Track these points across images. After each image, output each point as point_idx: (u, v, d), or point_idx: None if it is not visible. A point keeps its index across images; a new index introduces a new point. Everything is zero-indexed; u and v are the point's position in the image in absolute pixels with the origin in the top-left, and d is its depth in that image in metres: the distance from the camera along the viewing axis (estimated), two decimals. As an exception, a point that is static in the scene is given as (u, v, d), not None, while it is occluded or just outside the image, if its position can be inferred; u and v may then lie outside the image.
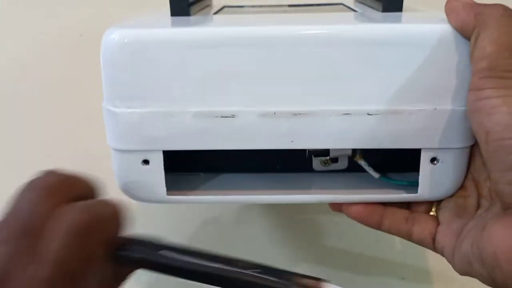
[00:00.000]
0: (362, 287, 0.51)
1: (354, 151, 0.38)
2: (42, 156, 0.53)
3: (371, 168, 0.38)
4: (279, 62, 0.33)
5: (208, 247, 0.29)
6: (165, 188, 0.36)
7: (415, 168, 0.36)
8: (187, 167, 0.41)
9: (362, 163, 0.38)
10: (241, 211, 0.49)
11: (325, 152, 0.38)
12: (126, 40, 0.33)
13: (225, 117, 0.34)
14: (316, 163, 0.40)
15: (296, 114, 0.34)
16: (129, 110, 0.34)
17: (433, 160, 0.35)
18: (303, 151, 0.39)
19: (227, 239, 0.51)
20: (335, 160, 0.40)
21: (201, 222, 0.50)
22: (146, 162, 0.36)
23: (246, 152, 0.40)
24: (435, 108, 0.34)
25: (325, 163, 0.40)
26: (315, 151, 0.39)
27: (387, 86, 0.33)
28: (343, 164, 0.40)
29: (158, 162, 0.36)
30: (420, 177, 0.36)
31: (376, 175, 0.38)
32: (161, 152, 0.35)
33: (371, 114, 0.34)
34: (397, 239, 0.49)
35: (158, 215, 0.53)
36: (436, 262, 0.50)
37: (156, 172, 0.36)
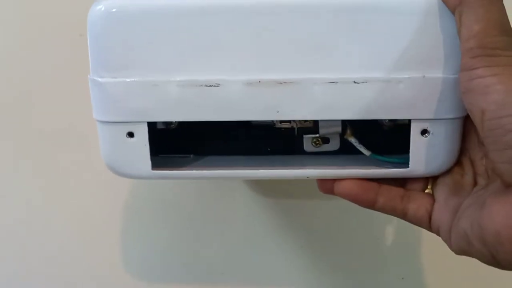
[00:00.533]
0: (362, 287, 0.50)
1: (345, 128, 0.37)
2: (43, 155, 0.53)
3: (362, 146, 0.37)
4: (264, 29, 0.33)
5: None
6: (150, 163, 0.36)
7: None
8: (175, 149, 0.40)
9: (353, 140, 0.37)
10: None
11: (314, 129, 0.38)
12: (113, 10, 0.33)
13: (210, 86, 0.34)
14: (307, 143, 0.39)
15: (281, 83, 0.33)
16: (114, 80, 0.34)
17: (424, 132, 0.34)
18: (292, 130, 0.39)
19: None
20: (326, 140, 0.39)
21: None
22: (130, 134, 0.35)
23: (235, 133, 0.40)
24: (424, 76, 0.33)
25: (316, 143, 0.39)
26: (304, 129, 0.38)
27: (373, 54, 0.33)
28: (335, 144, 0.39)
29: (143, 135, 0.35)
30: (411, 150, 0.35)
31: (367, 152, 0.37)
32: (146, 124, 0.35)
33: (358, 83, 0.33)
34: (397, 238, 0.50)
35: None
36: (436, 262, 0.50)
37: (141, 146, 0.36)
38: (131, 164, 0.36)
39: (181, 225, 0.52)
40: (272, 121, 0.38)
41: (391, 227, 0.50)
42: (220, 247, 0.52)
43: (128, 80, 0.34)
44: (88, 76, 0.35)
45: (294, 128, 0.38)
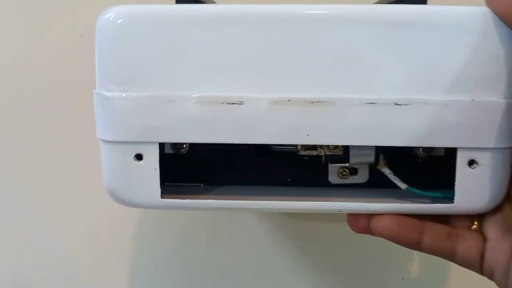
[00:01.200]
0: (362, 287, 0.49)
1: (377, 158, 0.34)
2: (44, 153, 0.50)
3: (397, 178, 0.33)
4: (295, 43, 0.29)
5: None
6: (159, 190, 0.31)
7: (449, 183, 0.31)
8: (184, 177, 0.36)
9: (387, 171, 0.33)
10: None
11: (343, 158, 0.34)
12: (123, 17, 0.30)
13: (232, 103, 0.30)
14: (333, 174, 0.35)
15: (313, 102, 0.30)
16: (124, 94, 0.30)
17: (471, 163, 0.31)
18: (316, 158, 0.35)
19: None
20: (354, 171, 0.35)
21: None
22: (139, 157, 0.31)
23: (251, 160, 0.36)
24: (473, 100, 0.29)
25: (343, 174, 0.35)
26: (332, 157, 0.34)
27: (418, 73, 0.29)
28: (363, 176, 0.35)
29: (153, 158, 0.31)
30: (456, 183, 0.31)
31: (403, 185, 0.33)
32: (157, 145, 0.31)
33: (399, 104, 0.30)
34: None
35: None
36: (436, 262, 0.46)
37: (150, 170, 0.31)
38: (138, 191, 0.32)
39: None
40: (295, 147, 0.34)
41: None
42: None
43: (139, 95, 0.30)
44: (94, 91, 0.31)
45: (320, 156, 0.34)
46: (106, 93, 0.30)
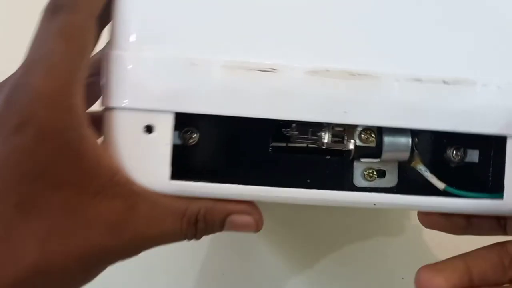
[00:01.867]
0: (362, 287, 0.49)
1: (411, 155, 0.30)
2: None
3: (434, 176, 0.30)
4: (339, 5, 0.27)
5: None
6: (169, 170, 0.27)
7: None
8: (190, 174, 0.32)
9: (423, 169, 0.30)
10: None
11: (375, 152, 0.30)
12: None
13: (264, 71, 0.26)
14: (358, 174, 0.31)
15: (354, 75, 0.27)
16: (140, 53, 0.26)
17: (522, 156, 0.28)
18: (342, 157, 0.31)
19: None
20: (382, 174, 0.31)
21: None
22: (149, 129, 0.27)
23: (268, 157, 0.32)
24: (526, 82, 0.27)
25: (370, 175, 0.31)
26: (362, 151, 0.30)
27: (470, 49, 0.27)
28: (392, 179, 0.31)
29: (165, 130, 0.27)
30: (506, 177, 0.28)
31: (441, 185, 0.30)
32: (172, 115, 0.27)
33: (448, 83, 0.27)
34: (397, 238, 0.49)
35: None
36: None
37: (160, 144, 0.27)
38: (143, 169, 0.27)
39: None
40: (319, 141, 0.30)
41: (391, 227, 0.49)
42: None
43: (157, 54, 0.26)
44: (105, 52, 0.27)
45: (347, 152, 0.30)
46: (120, 52, 0.26)
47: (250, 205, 0.28)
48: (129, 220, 0.26)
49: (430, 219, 0.28)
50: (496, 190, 0.28)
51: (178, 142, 0.30)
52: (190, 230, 0.28)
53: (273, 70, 0.26)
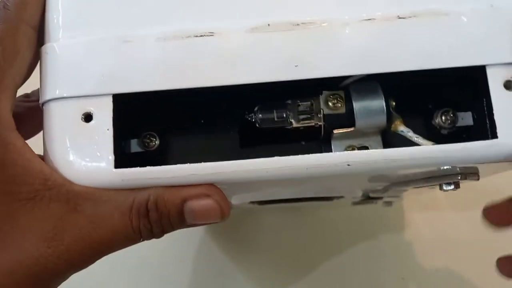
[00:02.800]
0: (362, 287, 0.49)
1: (390, 119, 0.27)
2: None
3: (419, 136, 0.26)
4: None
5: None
6: (112, 158, 0.24)
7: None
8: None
9: (405, 130, 0.26)
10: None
11: (348, 119, 0.27)
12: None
13: (201, 36, 0.25)
14: (338, 149, 0.28)
15: (298, 24, 0.24)
16: (72, 40, 0.25)
17: (508, 84, 0.24)
18: (316, 134, 0.28)
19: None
20: (365, 149, 0.28)
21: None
22: (88, 117, 0.25)
23: (236, 148, 0.29)
24: (492, 5, 0.24)
25: (351, 148, 0.28)
26: (332, 121, 0.27)
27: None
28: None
29: (105, 116, 0.25)
30: (495, 113, 0.24)
31: (427, 143, 0.26)
32: (111, 98, 0.25)
33: (403, 18, 0.24)
34: (397, 238, 0.49)
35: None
36: (436, 262, 0.49)
37: (101, 132, 0.24)
38: (85, 163, 0.24)
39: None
40: (287, 119, 0.27)
41: (391, 227, 0.49)
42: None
43: (89, 38, 0.25)
44: (40, 48, 0.26)
45: (318, 128, 0.27)
46: (53, 44, 0.25)
47: (208, 186, 0.25)
48: (69, 224, 0.24)
49: None
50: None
51: (138, 149, 0.28)
52: (143, 225, 0.24)
53: (211, 34, 0.24)
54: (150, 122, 0.28)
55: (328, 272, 0.50)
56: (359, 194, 0.36)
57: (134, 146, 0.28)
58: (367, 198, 0.37)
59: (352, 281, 0.49)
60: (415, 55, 0.24)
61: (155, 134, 0.28)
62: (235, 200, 0.35)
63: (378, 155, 0.24)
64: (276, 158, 0.24)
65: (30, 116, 0.29)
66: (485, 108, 0.26)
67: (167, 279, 0.48)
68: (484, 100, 0.26)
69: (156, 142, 0.28)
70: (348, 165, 0.24)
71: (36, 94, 0.30)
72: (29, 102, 0.30)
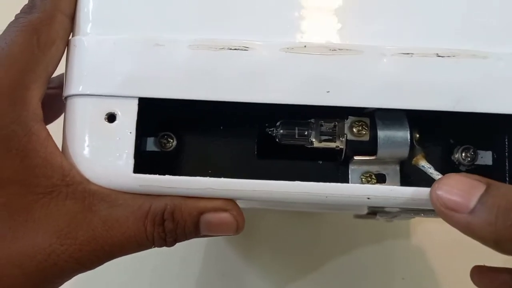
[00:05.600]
0: (362, 287, 0.49)
1: (412, 152, 0.27)
2: None
3: (439, 174, 0.26)
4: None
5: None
6: (132, 162, 0.24)
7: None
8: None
9: (426, 166, 0.26)
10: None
11: (370, 147, 0.27)
12: None
13: (235, 49, 0.24)
14: (355, 178, 0.28)
15: (335, 50, 0.24)
16: (101, 36, 0.25)
17: (538, 137, 0.24)
18: (335, 157, 0.28)
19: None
20: (381, 178, 0.28)
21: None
22: (111, 118, 0.24)
23: (252, 161, 0.29)
24: (533, 53, 0.24)
25: (368, 180, 0.28)
26: (355, 147, 0.27)
27: (465, 18, 0.24)
28: (393, 183, 0.28)
29: (129, 118, 0.24)
30: (521, 165, 0.24)
31: (447, 181, 0.26)
32: (137, 100, 0.24)
33: (441, 56, 0.24)
34: (397, 238, 0.49)
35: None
36: (436, 262, 0.49)
37: (123, 134, 0.24)
38: (104, 163, 0.24)
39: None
40: (307, 139, 0.27)
41: (391, 227, 0.49)
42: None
43: (118, 37, 0.24)
44: (69, 39, 0.26)
45: (339, 151, 0.27)
46: (81, 38, 0.25)
47: (226, 201, 0.25)
48: (84, 223, 0.23)
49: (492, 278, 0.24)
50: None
51: (154, 148, 0.28)
52: (157, 233, 0.24)
53: (245, 48, 0.24)
54: (168, 122, 0.28)
55: (329, 272, 0.50)
56: (364, 212, 0.36)
57: (150, 145, 0.28)
58: (375, 214, 0.37)
59: (352, 281, 0.49)
60: (449, 95, 0.24)
61: (172, 135, 0.28)
62: (243, 205, 0.35)
63: (399, 193, 0.24)
64: (297, 183, 0.24)
65: (49, 103, 0.28)
66: (507, 150, 0.26)
67: (168, 278, 0.48)
68: (506, 141, 0.26)
69: (173, 143, 0.28)
70: (368, 198, 0.24)
71: (56, 81, 0.30)
72: (49, 89, 0.29)
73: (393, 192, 0.24)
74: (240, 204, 0.35)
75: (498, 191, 0.21)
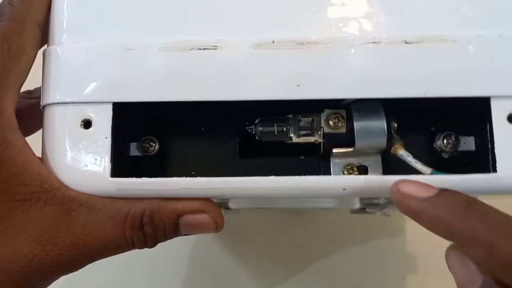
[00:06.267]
0: (362, 287, 0.49)
1: (391, 141, 0.27)
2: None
3: (418, 161, 0.26)
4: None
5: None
6: (109, 166, 0.24)
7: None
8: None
9: (405, 154, 0.26)
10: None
11: (347, 139, 0.27)
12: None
13: (204, 49, 0.24)
14: (337, 172, 0.28)
15: (302, 43, 0.24)
16: (75, 45, 0.25)
17: (511, 117, 0.24)
18: (316, 151, 0.28)
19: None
20: (363, 170, 0.28)
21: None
22: (87, 124, 0.25)
23: (234, 160, 0.29)
24: (501, 35, 0.24)
25: (350, 172, 0.28)
26: (332, 140, 0.27)
27: (432, 4, 0.24)
28: (376, 173, 0.28)
29: (104, 123, 0.25)
30: (496, 146, 0.24)
31: (426, 170, 0.25)
32: (111, 106, 0.25)
33: (410, 43, 0.24)
34: (397, 238, 0.49)
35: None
36: (436, 262, 0.44)
37: (99, 139, 0.25)
38: (81, 169, 0.24)
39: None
40: (286, 134, 0.27)
41: (392, 227, 0.49)
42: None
43: (91, 44, 0.25)
44: (44, 50, 0.26)
45: (318, 144, 0.27)
46: (55, 48, 0.25)
47: (205, 201, 0.25)
48: (63, 228, 0.24)
49: None
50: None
51: (137, 153, 0.28)
52: (136, 237, 0.24)
53: (214, 47, 0.24)
54: (150, 126, 0.28)
55: (328, 272, 0.50)
56: (357, 206, 0.36)
57: (133, 150, 0.28)
58: (365, 208, 0.37)
59: (352, 281, 0.49)
60: (420, 81, 0.24)
61: (154, 139, 0.28)
62: (231, 205, 0.35)
63: (375, 182, 0.24)
64: (272, 177, 0.24)
65: (32, 113, 0.29)
66: (488, 136, 0.26)
67: (165, 278, 0.49)
68: (488, 127, 0.25)
69: (156, 147, 0.29)
70: (344, 189, 0.24)
71: (38, 91, 0.30)
72: (31, 99, 0.30)
73: (368, 181, 0.24)
74: (231, 205, 0.35)
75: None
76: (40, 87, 0.30)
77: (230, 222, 0.45)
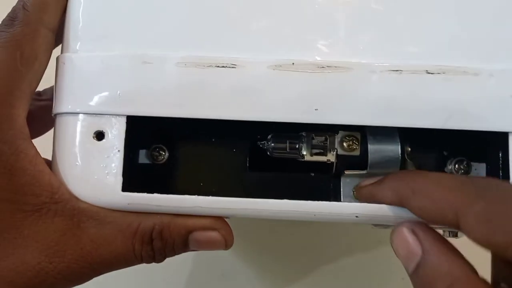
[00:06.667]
0: (362, 287, 0.49)
1: (403, 166, 0.26)
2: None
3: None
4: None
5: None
6: (120, 180, 0.24)
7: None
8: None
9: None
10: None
11: (360, 161, 0.26)
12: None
13: (222, 67, 0.24)
14: (347, 190, 0.27)
15: (323, 67, 0.24)
16: (89, 53, 0.25)
17: (527, 152, 0.24)
18: (327, 170, 0.27)
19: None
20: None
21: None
22: (99, 136, 0.24)
23: (244, 173, 0.29)
24: (524, 70, 0.24)
25: (359, 191, 0.27)
26: (346, 161, 0.27)
27: (455, 34, 0.24)
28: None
29: (117, 136, 0.24)
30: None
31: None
32: (125, 118, 0.24)
33: (431, 73, 0.24)
34: None
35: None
36: None
37: (111, 152, 0.24)
38: (92, 181, 0.24)
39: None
40: (299, 153, 0.27)
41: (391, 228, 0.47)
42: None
43: (107, 54, 0.24)
44: (57, 56, 0.25)
45: (331, 164, 0.27)
46: (70, 55, 0.25)
47: (215, 219, 0.25)
48: (72, 240, 0.24)
49: None
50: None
51: (146, 161, 0.28)
52: (145, 251, 0.24)
53: (233, 66, 0.24)
54: (160, 135, 0.28)
55: (328, 272, 0.50)
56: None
57: (143, 157, 0.28)
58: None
59: (352, 282, 0.49)
60: (438, 112, 0.23)
61: (164, 148, 0.28)
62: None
63: (388, 211, 0.24)
64: (286, 201, 0.24)
65: (41, 115, 0.28)
66: (500, 162, 0.26)
67: (166, 277, 0.48)
68: (500, 154, 0.25)
69: (165, 156, 0.28)
70: (356, 216, 0.24)
71: (48, 92, 0.30)
72: (41, 101, 0.29)
73: (381, 210, 0.24)
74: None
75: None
76: (49, 87, 0.29)
77: (231, 222, 0.46)
